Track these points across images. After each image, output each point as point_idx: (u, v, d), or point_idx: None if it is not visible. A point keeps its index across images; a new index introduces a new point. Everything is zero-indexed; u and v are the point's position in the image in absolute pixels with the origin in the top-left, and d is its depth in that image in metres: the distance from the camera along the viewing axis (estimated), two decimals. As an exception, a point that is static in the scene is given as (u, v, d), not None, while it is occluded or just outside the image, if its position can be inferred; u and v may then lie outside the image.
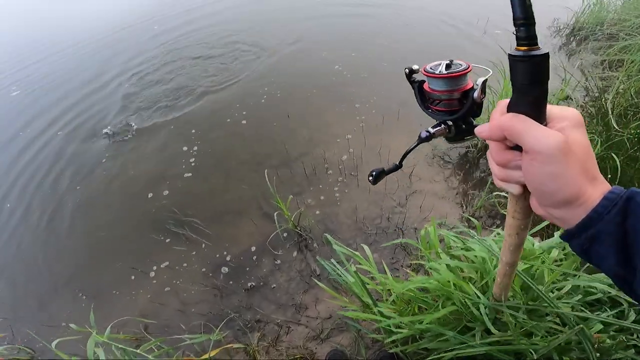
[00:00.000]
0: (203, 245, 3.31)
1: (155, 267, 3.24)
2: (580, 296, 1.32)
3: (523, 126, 0.57)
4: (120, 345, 1.78)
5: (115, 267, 3.33)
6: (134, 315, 2.91)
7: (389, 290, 1.96)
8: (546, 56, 0.55)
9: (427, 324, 1.49)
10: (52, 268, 3.50)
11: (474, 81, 0.75)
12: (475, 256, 1.57)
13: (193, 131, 4.65)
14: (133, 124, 5.07)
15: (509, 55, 0.57)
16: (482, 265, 1.53)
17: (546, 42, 5.28)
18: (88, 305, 3.06)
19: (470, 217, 2.30)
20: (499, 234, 1.83)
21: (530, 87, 0.57)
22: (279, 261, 3.07)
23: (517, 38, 0.56)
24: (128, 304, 3.05)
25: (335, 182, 3.56)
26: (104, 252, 3.52)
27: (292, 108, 4.69)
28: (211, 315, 2.84)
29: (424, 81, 0.82)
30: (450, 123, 0.78)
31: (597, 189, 0.57)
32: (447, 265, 1.59)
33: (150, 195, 3.90)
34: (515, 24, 0.55)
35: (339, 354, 2.34)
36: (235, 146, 4.31)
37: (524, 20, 0.54)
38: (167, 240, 3.43)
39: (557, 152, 0.54)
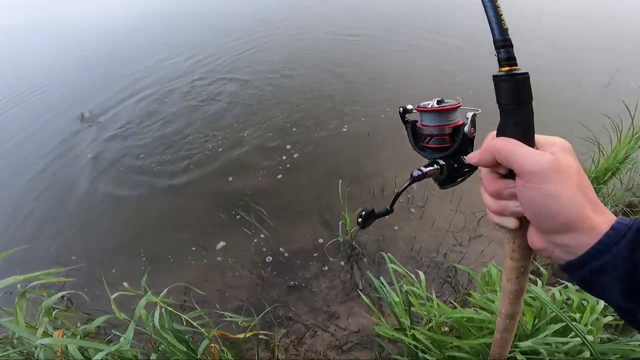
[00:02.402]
0: (262, 235, 3.43)
1: (212, 245, 3.40)
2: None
3: (513, 147, 0.57)
4: (169, 308, 1.83)
5: (179, 237, 3.56)
6: (179, 283, 3.05)
7: (429, 318, 1.90)
8: (526, 75, 0.58)
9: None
10: (124, 227, 3.83)
11: (465, 120, 0.76)
12: (534, 299, 1.51)
13: (294, 129, 4.93)
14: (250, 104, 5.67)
15: (493, 76, 0.60)
16: (538, 310, 1.48)
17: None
18: (145, 267, 3.30)
19: (539, 266, 2.15)
20: (567, 286, 1.75)
21: (516, 107, 0.59)
22: (326, 267, 3.07)
23: (499, 60, 0.59)
24: (177, 273, 3.22)
25: (401, 208, 3.50)
26: (175, 220, 3.79)
27: (380, 127, 4.74)
28: (248, 302, 2.89)
29: (416, 121, 0.83)
30: (442, 162, 0.77)
31: (602, 217, 0.54)
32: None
33: (230, 178, 4.18)
34: (495, 47, 0.59)
35: None
36: (323, 153, 4.43)
37: (503, 43, 0.58)
38: (232, 222, 3.60)
39: (551, 171, 0.53)
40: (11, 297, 1.76)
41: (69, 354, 1.48)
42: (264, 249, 3.30)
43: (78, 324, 1.97)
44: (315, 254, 3.20)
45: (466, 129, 0.74)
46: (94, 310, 2.85)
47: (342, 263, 3.09)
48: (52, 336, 1.58)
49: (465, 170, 0.78)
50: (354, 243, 3.17)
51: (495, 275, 1.87)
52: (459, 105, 0.77)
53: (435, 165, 0.77)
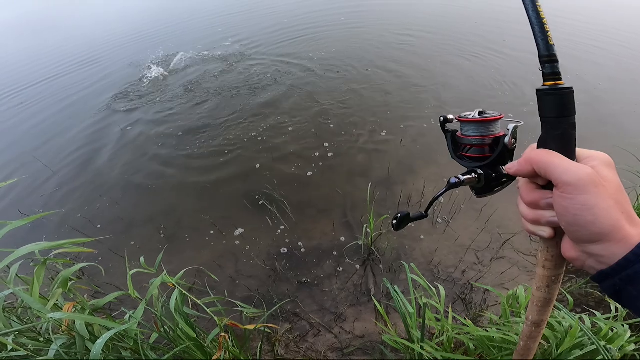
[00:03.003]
0: (282, 227, 3.42)
1: (231, 230, 3.43)
2: None
3: (552, 159, 0.58)
4: (184, 292, 1.81)
5: (200, 218, 3.61)
6: (191, 265, 3.06)
7: (442, 332, 1.88)
8: (570, 90, 0.59)
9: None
10: (149, 201, 3.95)
11: (506, 132, 0.76)
12: (559, 323, 1.52)
13: (332, 126, 4.88)
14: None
15: (537, 90, 0.61)
16: (562, 334, 1.50)
17: None
18: (162, 244, 3.35)
19: (565, 292, 2.07)
20: (594, 313, 1.74)
21: (557, 120, 0.60)
22: (341, 269, 3.02)
23: (544, 74, 0.61)
24: (193, 253, 3.27)
25: (427, 220, 3.38)
26: (199, 201, 3.85)
27: (419, 137, 4.57)
28: (257, 292, 2.89)
29: (456, 131, 0.84)
30: (480, 172, 0.77)
31: (637, 230, 0.54)
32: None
33: (257, 165, 4.21)
34: (540, 62, 0.61)
35: None
36: (357, 155, 4.33)
37: (548, 58, 0.60)
38: (253, 210, 3.62)
39: (588, 183, 0.54)
40: (25, 262, 1.71)
41: (75, 329, 1.44)
42: (282, 241, 3.29)
43: (85, 296, 1.95)
44: (332, 254, 3.15)
45: (507, 140, 0.74)
46: (104, 284, 2.91)
47: (358, 266, 3.03)
48: (61, 309, 1.53)
49: (504, 180, 0.77)
50: (372, 248, 3.11)
51: (522, 298, 1.84)
52: (501, 116, 0.78)
53: (473, 174, 0.77)
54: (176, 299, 1.74)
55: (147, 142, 4.93)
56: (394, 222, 0.79)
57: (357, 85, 5.91)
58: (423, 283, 2.02)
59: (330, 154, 4.32)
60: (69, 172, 4.52)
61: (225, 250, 3.25)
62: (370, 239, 3.10)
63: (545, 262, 0.71)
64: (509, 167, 0.67)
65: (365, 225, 3.08)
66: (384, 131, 4.70)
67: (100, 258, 3.17)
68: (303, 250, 3.20)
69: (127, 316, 1.76)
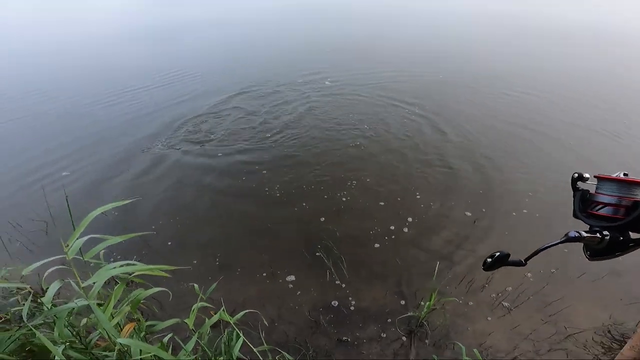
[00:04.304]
0: (337, 282, 3.38)
1: (283, 274, 3.46)
2: None
3: None
4: (240, 334, 1.84)
5: (257, 256, 3.70)
6: (237, 299, 3.17)
7: None
8: None
9: None
10: (215, 228, 4.14)
11: None
12: None
13: (419, 196, 4.62)
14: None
15: None
16: None
17: None
18: (215, 272, 3.49)
19: None
20: None
21: None
22: (384, 335, 2.89)
23: None
24: (241, 288, 3.34)
25: (487, 303, 3.14)
26: (260, 239, 3.95)
27: (504, 223, 4.13)
28: (293, 340, 2.85)
29: (587, 190, 0.83)
30: (605, 233, 0.74)
31: None
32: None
33: (322, 219, 4.20)
34: None
35: None
36: (432, 232, 4.00)
37: None
38: (310, 260, 3.64)
39: None
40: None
41: (130, 353, 1.46)
42: (331, 295, 3.25)
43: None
44: (379, 319, 3.03)
45: None
46: (152, 298, 3.02)
47: (404, 338, 2.87)
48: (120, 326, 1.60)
49: (630, 245, 0.74)
50: (424, 322, 2.95)
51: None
52: None
53: (597, 233, 0.75)
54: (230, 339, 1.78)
55: (231, 169, 5.18)
56: (489, 260, 0.79)
57: (453, 151, 5.60)
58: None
59: (405, 229, 4.03)
60: (149, 176, 5.00)
61: (272, 291, 3.28)
62: (424, 312, 2.93)
63: None
64: None
65: (425, 301, 2.97)
66: (469, 212, 4.29)
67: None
68: (352, 308, 3.12)
69: (166, 338, 1.79)
